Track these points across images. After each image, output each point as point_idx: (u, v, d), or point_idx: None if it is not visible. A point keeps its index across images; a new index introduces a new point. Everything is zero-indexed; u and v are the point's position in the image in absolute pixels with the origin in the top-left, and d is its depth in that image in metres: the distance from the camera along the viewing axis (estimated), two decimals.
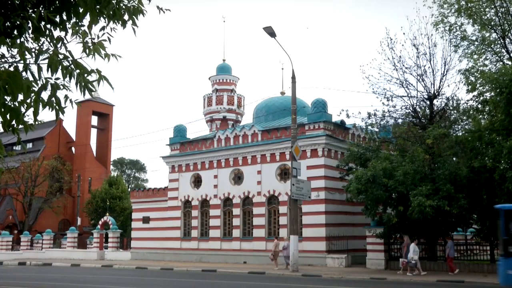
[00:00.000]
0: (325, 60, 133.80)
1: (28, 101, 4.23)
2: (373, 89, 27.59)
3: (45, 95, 4.30)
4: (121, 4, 4.69)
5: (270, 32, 25.46)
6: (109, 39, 4.64)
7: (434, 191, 22.82)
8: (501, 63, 25.87)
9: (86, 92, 4.43)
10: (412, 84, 27.04)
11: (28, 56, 4.31)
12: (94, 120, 71.08)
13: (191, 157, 36.44)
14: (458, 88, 43.22)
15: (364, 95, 36.80)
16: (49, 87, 4.29)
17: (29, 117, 4.42)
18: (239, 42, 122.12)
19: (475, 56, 26.33)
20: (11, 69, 4.18)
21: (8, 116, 4.16)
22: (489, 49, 26.37)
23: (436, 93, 26.59)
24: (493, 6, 25.45)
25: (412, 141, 25.62)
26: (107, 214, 44.16)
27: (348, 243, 29.57)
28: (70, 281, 22.25)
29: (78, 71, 4.36)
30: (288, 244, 26.16)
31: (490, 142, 23.33)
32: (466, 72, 25.33)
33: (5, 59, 4.43)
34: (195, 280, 22.10)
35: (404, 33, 35.67)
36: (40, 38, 4.51)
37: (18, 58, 4.32)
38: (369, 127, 28.01)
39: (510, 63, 25.09)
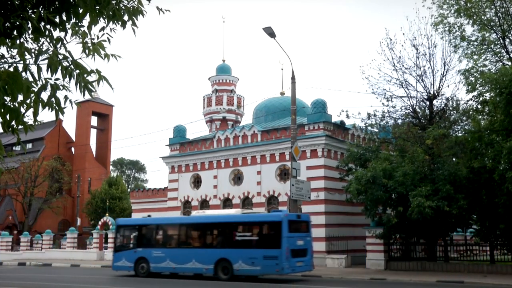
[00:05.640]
0: (325, 60, 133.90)
1: (28, 101, 4.23)
2: (372, 89, 27.64)
3: (44, 95, 4.31)
4: (121, 5, 4.69)
5: (270, 32, 25.45)
6: (109, 40, 4.64)
7: (433, 192, 22.81)
8: (501, 63, 25.87)
9: (86, 92, 4.43)
10: (411, 85, 27.08)
11: (27, 56, 4.31)
12: (94, 120, 71.06)
13: (191, 157, 36.44)
14: (458, 89, 43.39)
15: (364, 95, 36.90)
16: (48, 87, 4.29)
17: (28, 118, 4.43)
18: (239, 42, 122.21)
19: (475, 57, 26.33)
20: (11, 69, 4.18)
21: (8, 116, 4.17)
22: (489, 49, 26.37)
23: (436, 94, 26.59)
24: (492, 7, 25.44)
25: (412, 141, 25.61)
26: (107, 214, 44.09)
27: (348, 244, 29.57)
28: (70, 281, 22.25)
29: (77, 71, 4.36)
30: None
31: (489, 142, 23.32)
32: (465, 73, 25.33)
33: (5, 59, 4.43)
34: (195, 281, 22.09)
35: (403, 34, 35.79)
36: (40, 38, 4.51)
37: (18, 59, 4.32)
38: (369, 128, 28.00)
39: (510, 63, 25.09)
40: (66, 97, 4.42)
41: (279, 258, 20.18)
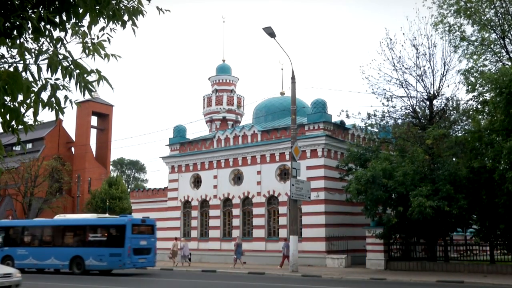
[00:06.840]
0: (325, 60, 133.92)
1: (28, 101, 4.23)
2: (372, 89, 27.67)
3: (44, 95, 4.31)
4: (121, 5, 4.68)
5: (270, 32, 25.47)
6: (109, 40, 4.64)
7: (434, 192, 22.81)
8: (501, 63, 25.88)
9: (86, 92, 4.43)
10: (411, 85, 27.11)
11: (28, 56, 4.31)
12: (94, 120, 71.01)
13: (191, 157, 36.44)
14: (458, 89, 43.35)
15: (364, 95, 36.95)
16: (49, 87, 4.29)
17: (28, 118, 4.42)
18: (239, 42, 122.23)
19: (475, 57, 26.36)
20: (11, 69, 4.18)
21: (8, 116, 4.17)
22: (489, 49, 26.39)
23: (436, 94, 26.61)
24: (492, 7, 25.46)
25: (412, 141, 25.62)
26: (107, 214, 44.11)
27: (348, 244, 29.57)
28: (68, 281, 22.26)
29: (78, 71, 4.35)
30: (185, 244, 31.14)
31: (489, 142, 23.34)
32: (465, 73, 25.36)
33: (5, 59, 4.43)
34: (195, 281, 22.11)
35: (403, 34, 35.92)
36: (40, 38, 4.50)
37: (18, 59, 4.32)
38: (369, 128, 28.01)
39: (509, 63, 25.10)
40: (66, 97, 4.42)
41: (122, 255, 23.82)
